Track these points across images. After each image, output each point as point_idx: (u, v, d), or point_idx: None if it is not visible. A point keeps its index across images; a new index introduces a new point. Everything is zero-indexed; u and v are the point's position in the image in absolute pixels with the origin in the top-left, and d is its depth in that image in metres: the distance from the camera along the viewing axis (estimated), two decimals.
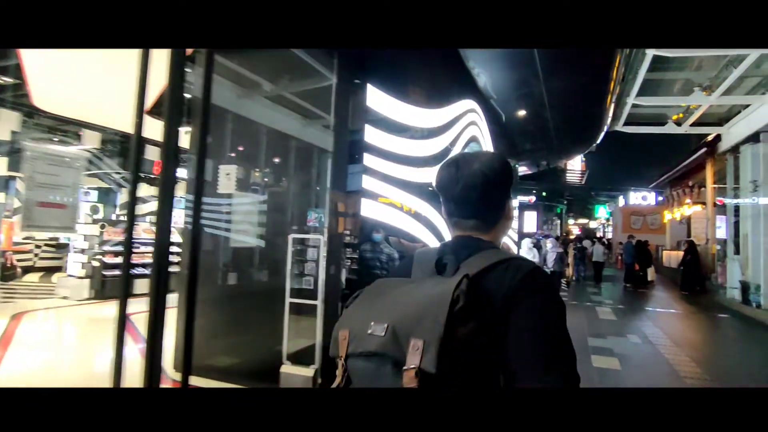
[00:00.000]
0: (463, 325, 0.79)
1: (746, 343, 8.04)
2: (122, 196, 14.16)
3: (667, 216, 18.49)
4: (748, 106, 9.94)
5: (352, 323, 0.89)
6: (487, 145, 9.64)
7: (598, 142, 13.73)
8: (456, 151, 6.52)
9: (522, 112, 10.04)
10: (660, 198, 25.64)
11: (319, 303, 3.86)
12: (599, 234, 35.11)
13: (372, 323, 0.85)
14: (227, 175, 4.46)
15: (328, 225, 3.92)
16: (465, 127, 7.02)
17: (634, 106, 10.78)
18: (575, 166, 34.86)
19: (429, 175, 5.26)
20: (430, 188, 7.77)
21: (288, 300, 3.96)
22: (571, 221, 40.06)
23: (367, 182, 4.25)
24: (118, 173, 12.72)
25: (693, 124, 11.45)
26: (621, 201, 30.06)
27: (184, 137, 2.93)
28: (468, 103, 7.20)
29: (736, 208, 11.56)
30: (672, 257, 17.48)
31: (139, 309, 1.97)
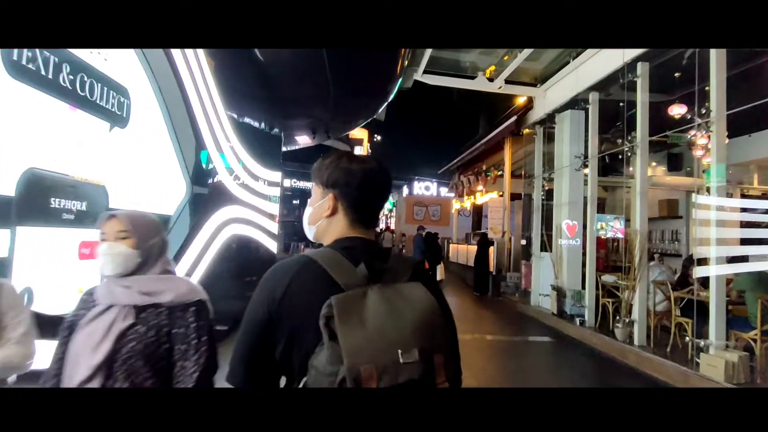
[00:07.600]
0: (446, 330, 0.91)
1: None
2: None
3: (456, 206, 16.66)
4: (578, 55, 7.38)
5: (375, 356, 0.82)
6: (199, 74, 4.74)
7: (391, 99, 10.26)
8: None
9: None
10: (444, 188, 24.87)
11: None
12: (382, 225, 34.05)
13: (399, 351, 0.83)
14: None
15: None
16: None
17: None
18: (359, 152, 33.29)
19: None
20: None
21: None
22: None
23: None
24: None
25: (508, 82, 8.72)
26: (405, 191, 28.83)
27: None
28: None
29: (547, 194, 9.28)
30: (460, 251, 15.65)
31: None
